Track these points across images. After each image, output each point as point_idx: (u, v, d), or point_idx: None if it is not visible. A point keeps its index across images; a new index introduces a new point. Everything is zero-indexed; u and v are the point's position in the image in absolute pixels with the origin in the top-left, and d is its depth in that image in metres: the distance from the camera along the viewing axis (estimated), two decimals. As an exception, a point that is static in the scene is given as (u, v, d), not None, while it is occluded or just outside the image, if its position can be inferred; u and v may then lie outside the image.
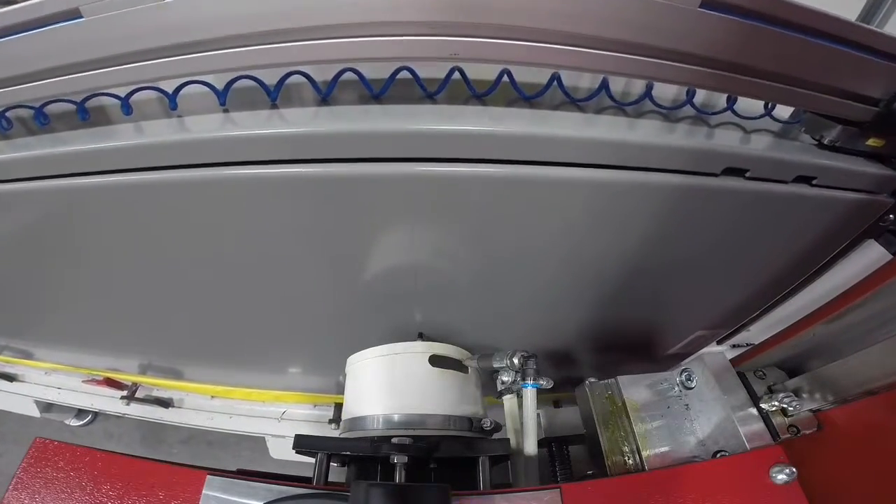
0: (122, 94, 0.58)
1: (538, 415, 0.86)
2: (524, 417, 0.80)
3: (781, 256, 0.79)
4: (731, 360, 0.78)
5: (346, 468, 0.87)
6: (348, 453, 0.76)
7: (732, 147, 0.60)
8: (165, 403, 1.56)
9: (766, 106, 0.65)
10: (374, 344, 0.86)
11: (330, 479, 0.75)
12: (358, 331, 1.01)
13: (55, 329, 1.16)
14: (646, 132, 0.60)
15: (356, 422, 0.80)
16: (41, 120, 0.59)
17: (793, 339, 0.72)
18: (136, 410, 1.56)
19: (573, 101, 0.62)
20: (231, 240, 0.70)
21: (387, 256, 0.75)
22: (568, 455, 0.95)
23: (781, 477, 0.61)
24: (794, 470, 0.60)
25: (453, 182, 0.59)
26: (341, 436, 0.83)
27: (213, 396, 1.56)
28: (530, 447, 0.78)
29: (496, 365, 0.83)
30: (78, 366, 1.46)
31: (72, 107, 0.59)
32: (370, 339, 0.99)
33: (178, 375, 1.44)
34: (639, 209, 0.65)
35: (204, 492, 0.60)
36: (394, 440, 0.74)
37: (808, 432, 0.67)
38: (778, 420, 0.69)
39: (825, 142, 0.63)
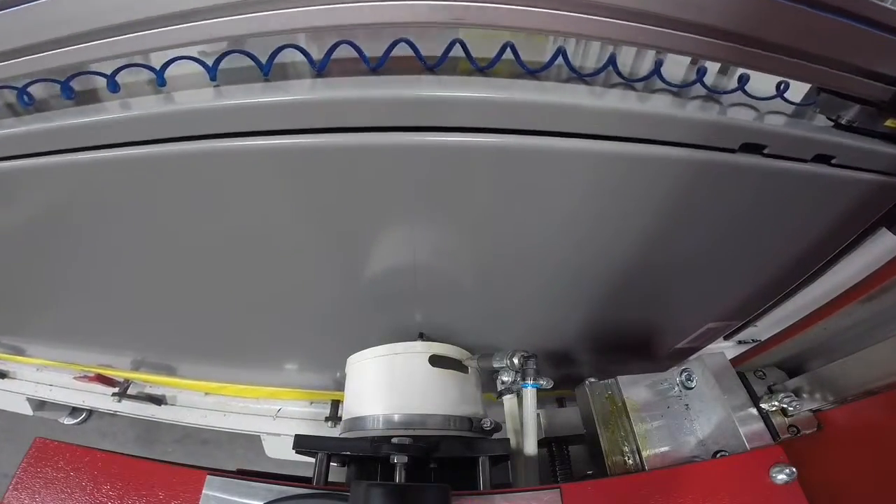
0: (108, 72, 0.56)
1: (538, 415, 0.86)
2: (524, 417, 0.80)
3: (795, 243, 0.77)
4: (732, 360, 0.78)
5: (346, 468, 0.87)
6: (348, 453, 0.76)
7: (750, 122, 0.58)
8: (158, 400, 1.53)
9: (778, 87, 0.62)
10: (372, 339, 0.85)
11: (330, 479, 0.75)
12: (356, 325, 1.00)
13: (45, 323, 1.15)
14: (659, 104, 0.57)
15: (356, 422, 0.80)
16: (25, 100, 0.57)
17: (793, 339, 0.72)
18: (127, 408, 1.53)
19: (580, 77, 0.59)
20: (225, 221, 0.68)
21: (386, 242, 0.73)
22: (568, 455, 0.95)
23: (781, 477, 0.61)
24: (794, 470, 0.60)
25: (455, 153, 0.56)
26: (341, 436, 0.83)
27: (206, 393, 1.53)
28: (530, 447, 0.78)
29: (496, 365, 0.84)
30: (69, 362, 1.44)
31: (56, 87, 0.57)
32: (368, 335, 0.98)
33: (171, 371, 1.42)
34: (651, 186, 0.62)
35: (204, 492, 0.60)
36: (394, 440, 0.74)
37: (808, 432, 0.67)
38: (778, 420, 0.69)
39: (842, 122, 0.61)
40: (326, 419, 1.38)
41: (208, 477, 0.61)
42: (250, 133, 0.54)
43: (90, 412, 2.00)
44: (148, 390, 1.54)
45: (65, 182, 0.61)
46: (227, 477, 0.62)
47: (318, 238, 0.73)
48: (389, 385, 0.80)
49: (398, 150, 0.56)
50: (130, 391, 1.51)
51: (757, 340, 1.25)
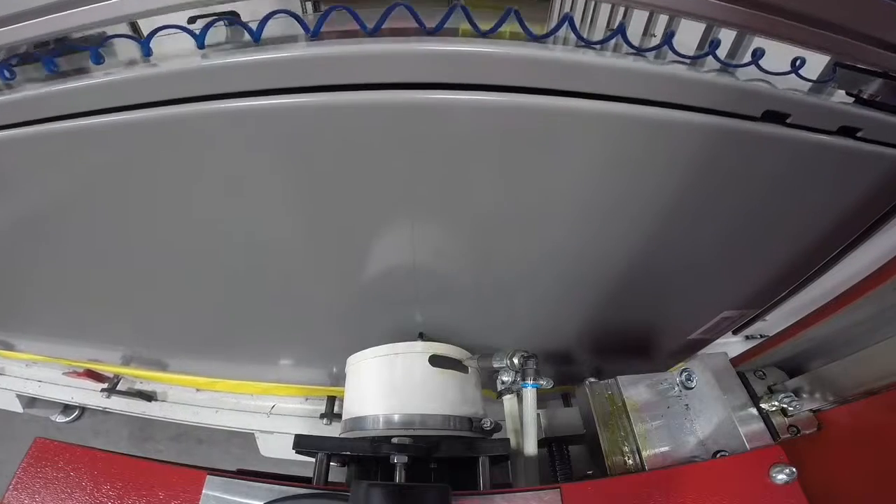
0: (91, 45, 0.53)
1: (538, 415, 0.86)
2: (524, 417, 0.80)
3: (814, 224, 0.74)
4: (732, 360, 0.78)
5: (346, 468, 0.87)
6: (348, 453, 0.76)
7: (773, 89, 0.55)
8: (148, 397, 1.49)
9: (793, 63, 0.59)
10: (370, 333, 0.85)
11: (330, 479, 0.75)
12: (353, 319, 0.98)
13: (33, 318, 1.11)
14: (675, 67, 0.54)
15: (356, 422, 0.80)
16: (5, 75, 0.54)
17: (793, 339, 0.72)
18: (117, 404, 1.49)
19: (588, 44, 0.55)
20: (217, 202, 0.65)
21: (384, 225, 0.69)
22: (568, 455, 0.95)
23: (781, 477, 0.61)
24: (794, 470, 0.60)
25: (462, 111, 0.53)
26: (341, 436, 0.83)
27: (198, 390, 1.49)
28: (530, 447, 0.78)
29: (496, 365, 0.84)
30: (58, 357, 1.40)
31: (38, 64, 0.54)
32: (366, 328, 0.97)
33: (162, 367, 1.37)
34: (670, 155, 0.58)
35: (204, 492, 0.60)
36: (394, 440, 0.74)
37: (808, 432, 0.67)
38: (778, 420, 0.69)
39: (864, 96, 0.59)
40: (322, 416, 1.36)
41: (208, 477, 0.61)
42: (240, 94, 0.50)
43: (83, 410, 1.97)
44: (138, 386, 1.50)
45: (44, 156, 0.58)
46: (227, 477, 0.62)
47: (315, 220, 0.69)
48: (390, 385, 0.80)
49: (394, 107, 0.52)
50: (120, 387, 1.47)
51: (765, 336, 1.22)
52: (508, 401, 0.86)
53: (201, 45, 0.52)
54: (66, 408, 1.94)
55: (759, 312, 1.03)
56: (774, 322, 1.11)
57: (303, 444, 0.76)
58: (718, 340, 1.17)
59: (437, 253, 0.76)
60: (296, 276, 0.83)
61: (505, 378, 0.83)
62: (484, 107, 0.52)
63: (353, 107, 0.52)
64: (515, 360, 0.81)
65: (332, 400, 1.38)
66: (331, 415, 1.35)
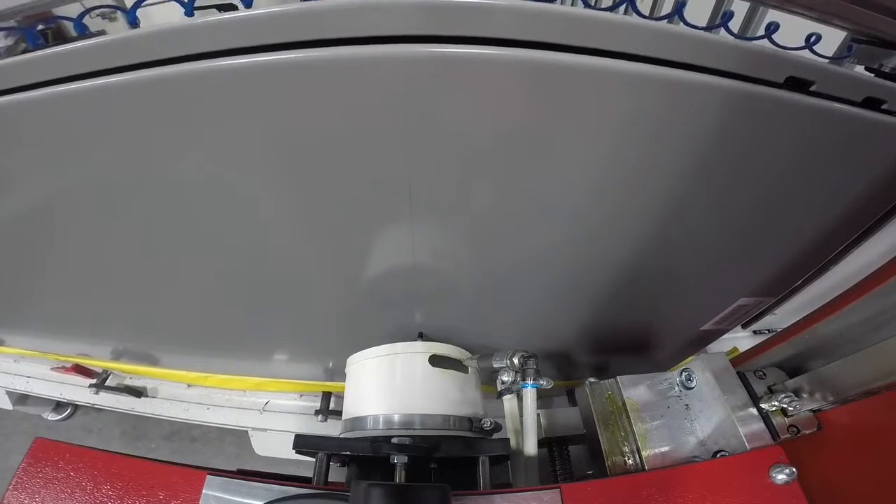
0: (74, 16, 0.52)
1: (538, 415, 0.86)
2: (524, 417, 0.80)
3: (835, 204, 0.70)
4: (731, 361, 0.78)
5: (345, 468, 0.87)
6: (348, 453, 0.76)
7: (796, 55, 0.52)
8: (138, 393, 1.45)
9: (807, 40, 0.58)
10: (367, 327, 0.84)
11: (330, 479, 0.75)
12: (351, 311, 0.94)
13: (20, 311, 1.07)
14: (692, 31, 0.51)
15: (356, 422, 0.80)
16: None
17: (793, 339, 0.72)
18: (105, 400, 1.44)
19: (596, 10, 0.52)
20: (208, 174, 0.61)
21: (381, 204, 0.66)
22: (568, 455, 0.95)
23: (781, 477, 0.61)
24: (794, 470, 0.60)
25: (469, 66, 0.49)
26: (341, 436, 0.83)
27: (189, 385, 1.44)
28: (530, 447, 0.78)
29: (496, 365, 0.83)
30: (47, 351, 1.34)
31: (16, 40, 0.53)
32: (364, 323, 0.96)
33: (152, 361, 1.32)
34: (689, 120, 0.55)
35: (204, 491, 0.60)
36: (394, 440, 0.74)
37: (808, 432, 0.67)
38: (778, 420, 0.69)
39: (885, 69, 0.57)
40: (316, 412, 1.32)
41: (208, 477, 0.61)
42: (231, 52, 0.47)
43: (75, 408, 1.96)
44: (128, 382, 1.46)
45: (26, 126, 0.54)
46: (227, 477, 0.62)
47: (311, 201, 0.66)
48: (390, 385, 0.80)
49: (394, 62, 0.48)
50: (109, 383, 1.43)
51: (774, 330, 1.22)
52: (508, 401, 0.86)
53: (189, 14, 0.50)
54: (58, 405, 1.91)
55: (775, 301, 0.98)
56: (783, 316, 1.08)
57: (303, 444, 0.76)
58: (726, 336, 1.13)
59: (440, 232, 0.73)
60: (292, 266, 0.81)
61: (505, 378, 0.83)
62: (493, 61, 0.47)
63: (351, 60, 0.47)
64: (515, 360, 0.81)
65: (327, 396, 1.34)
66: (326, 411, 1.31)
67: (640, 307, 0.97)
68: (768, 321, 1.12)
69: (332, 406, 1.33)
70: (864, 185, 0.67)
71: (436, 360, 0.82)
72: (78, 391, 1.46)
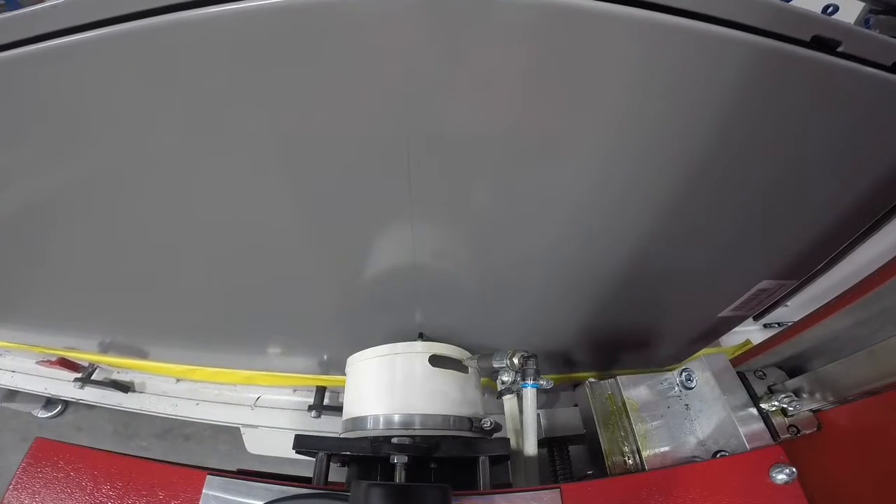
0: None
1: (538, 415, 0.86)
2: (524, 417, 0.80)
3: (861, 179, 0.67)
4: (731, 361, 0.78)
5: (345, 468, 0.87)
6: (348, 453, 0.76)
7: (822, 15, 0.50)
8: (125, 388, 1.39)
9: (824, 10, 0.57)
10: (365, 322, 0.83)
11: (330, 479, 0.75)
12: (347, 306, 0.92)
13: (2, 298, 1.01)
14: None
15: (356, 422, 0.80)
16: None
17: (793, 339, 0.72)
18: (91, 395, 1.38)
19: None
20: (192, 140, 0.56)
21: (379, 176, 0.61)
22: (568, 455, 0.95)
23: (781, 477, 0.61)
24: (794, 470, 0.60)
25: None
26: (341, 435, 0.83)
27: (178, 380, 1.39)
28: (530, 447, 0.78)
29: (496, 365, 0.84)
30: (31, 344, 1.28)
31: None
32: (361, 317, 0.94)
33: (140, 354, 1.25)
34: (708, 78, 0.51)
35: (204, 491, 0.60)
36: (394, 440, 0.74)
37: (808, 432, 0.67)
38: (778, 420, 0.69)
39: None
40: (310, 408, 1.25)
41: (208, 477, 0.61)
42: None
43: (66, 404, 1.92)
44: (115, 376, 1.41)
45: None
46: (228, 477, 0.62)
47: (304, 177, 0.63)
48: (390, 385, 0.80)
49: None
50: (96, 377, 1.37)
51: (784, 323, 1.20)
52: (508, 401, 0.86)
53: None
54: (49, 402, 1.88)
55: (797, 284, 0.92)
56: (795, 309, 1.05)
57: (302, 444, 0.76)
58: (737, 329, 1.09)
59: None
60: (287, 256, 0.78)
61: (505, 378, 0.83)
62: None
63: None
64: (515, 360, 0.81)
65: (321, 391, 1.29)
66: (320, 407, 1.25)
67: (656, 296, 0.92)
68: (780, 314, 1.08)
69: (327, 402, 1.28)
70: (891, 161, 0.63)
71: (436, 360, 0.82)
72: (63, 386, 1.40)
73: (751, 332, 1.30)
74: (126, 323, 1.09)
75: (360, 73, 0.49)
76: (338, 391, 1.34)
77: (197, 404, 1.36)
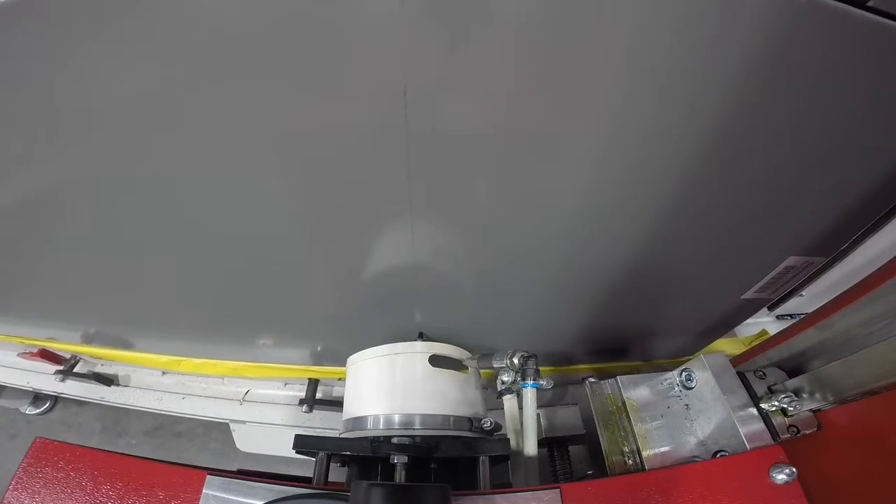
0: None
1: (538, 415, 0.86)
2: (524, 417, 0.80)
3: (887, 153, 0.62)
4: (731, 361, 0.78)
5: (345, 468, 0.87)
6: (348, 453, 0.76)
7: None
8: (108, 381, 1.32)
9: None
10: (363, 317, 0.82)
11: (330, 479, 0.75)
12: (345, 301, 0.89)
13: None
14: None
15: (356, 422, 0.80)
16: None
17: (793, 339, 0.72)
18: (73, 389, 1.31)
19: None
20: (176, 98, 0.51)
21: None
22: (568, 455, 0.95)
23: (781, 477, 0.61)
24: (794, 470, 0.60)
25: None
26: (341, 436, 0.83)
27: (164, 373, 1.32)
28: (530, 447, 0.78)
29: (496, 365, 0.84)
30: (10, 334, 1.21)
31: None
32: (359, 313, 0.93)
33: (125, 345, 1.18)
34: (718, 28, 0.47)
35: (204, 491, 0.60)
36: (394, 440, 0.74)
37: (808, 432, 0.67)
38: (778, 420, 0.69)
39: None
40: (301, 402, 1.18)
41: (208, 477, 0.61)
42: None
43: (55, 400, 1.86)
44: (99, 369, 1.34)
45: None
46: (228, 477, 0.62)
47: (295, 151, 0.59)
48: (390, 385, 0.80)
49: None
50: (78, 369, 1.30)
51: (798, 315, 1.17)
52: (508, 401, 0.86)
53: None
54: (37, 398, 1.82)
55: (825, 262, 0.85)
56: (810, 297, 1.01)
57: (303, 444, 0.76)
58: (749, 320, 1.06)
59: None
60: (282, 243, 0.75)
61: (505, 378, 0.83)
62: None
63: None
64: (515, 360, 0.81)
65: (314, 384, 1.22)
66: (312, 401, 1.19)
67: (677, 278, 0.86)
68: (794, 305, 1.05)
69: (320, 395, 1.22)
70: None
71: (436, 360, 0.82)
72: (46, 379, 1.34)
73: (765, 324, 1.28)
74: (111, 311, 1.03)
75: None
76: (331, 384, 1.28)
77: (183, 398, 1.30)
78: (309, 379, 1.23)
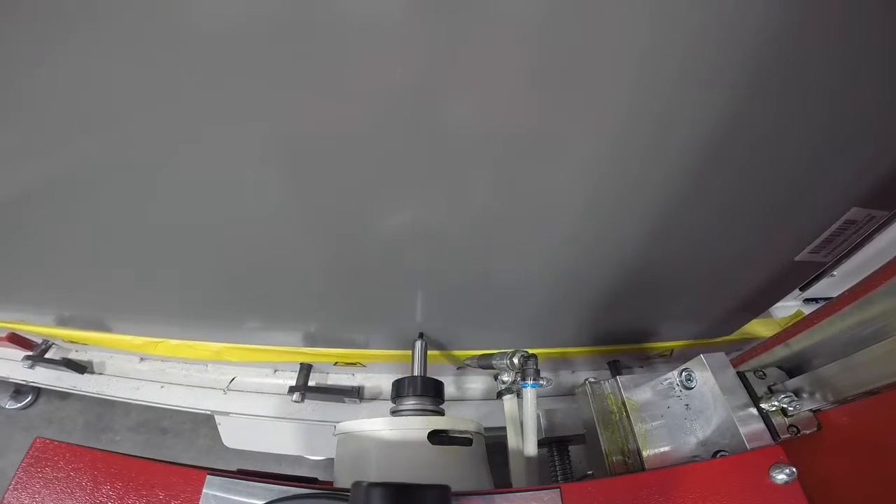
0: None
1: (538, 415, 0.86)
2: (524, 417, 0.80)
3: None
4: (732, 361, 0.78)
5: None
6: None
7: None
8: (81, 368, 1.21)
9: None
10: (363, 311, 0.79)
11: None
12: (341, 285, 0.85)
13: None
14: None
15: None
16: None
17: (793, 339, 0.72)
18: (42, 377, 1.21)
19: None
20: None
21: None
22: (568, 455, 0.95)
23: (781, 477, 0.61)
24: (794, 470, 0.60)
25: None
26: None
27: (142, 359, 1.21)
28: (530, 447, 0.78)
29: (496, 365, 0.84)
30: None
31: None
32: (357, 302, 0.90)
33: (102, 327, 1.07)
34: None
35: (204, 491, 0.60)
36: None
37: (807, 432, 0.67)
38: (778, 420, 0.69)
39: None
40: (291, 390, 1.07)
41: (208, 477, 0.61)
42: None
43: (37, 394, 1.76)
44: (73, 355, 1.23)
45: None
46: (227, 477, 0.62)
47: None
48: (386, 464, 0.73)
49: None
50: (50, 355, 1.20)
51: (827, 298, 1.12)
52: (508, 401, 0.86)
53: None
54: (18, 392, 1.73)
55: (888, 216, 0.75)
56: (840, 278, 0.95)
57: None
58: (780, 303, 0.99)
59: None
60: (276, 225, 0.71)
61: (505, 378, 0.83)
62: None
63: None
64: (515, 360, 0.81)
65: (306, 368, 1.11)
66: (304, 388, 1.08)
67: (721, 236, 0.76)
68: (822, 288, 1.00)
69: (312, 382, 1.11)
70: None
71: (436, 437, 0.75)
72: (14, 367, 1.23)
73: (798, 307, 1.22)
74: (89, 290, 0.95)
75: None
76: (326, 369, 1.16)
77: (161, 387, 1.19)
78: (301, 363, 1.12)
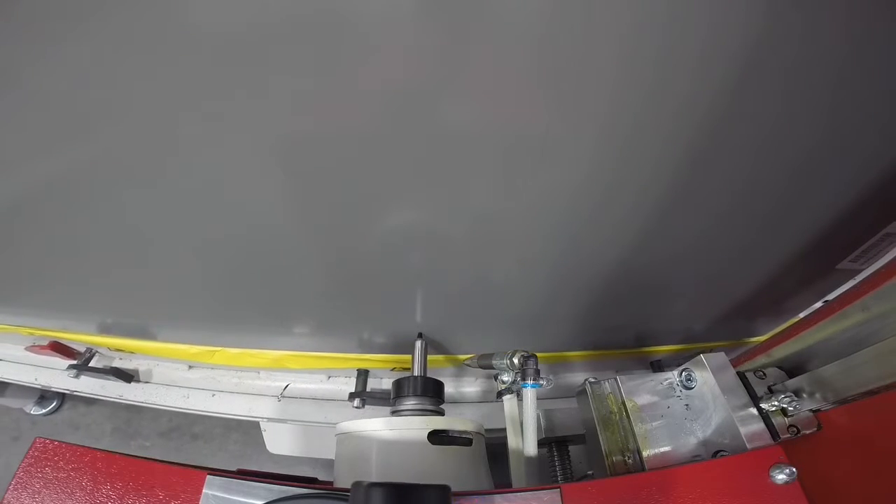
0: None
1: (538, 415, 0.86)
2: (524, 418, 0.80)
3: None
4: (731, 361, 0.78)
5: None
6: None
7: None
8: (128, 376, 1.18)
9: None
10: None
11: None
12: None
13: None
14: None
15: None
16: None
17: (793, 339, 0.72)
18: (87, 386, 1.18)
19: None
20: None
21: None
22: (568, 455, 0.95)
23: (781, 477, 0.61)
24: (794, 470, 0.60)
25: None
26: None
27: (191, 367, 1.18)
28: (530, 447, 0.78)
29: (496, 364, 0.84)
30: (18, 325, 1.09)
31: None
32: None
33: (148, 336, 1.05)
34: None
35: (204, 491, 0.60)
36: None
37: (807, 432, 0.67)
38: (778, 420, 0.69)
39: None
40: (351, 396, 1.04)
41: (208, 477, 0.61)
42: None
43: (62, 399, 1.73)
44: (117, 363, 1.20)
45: None
46: (228, 477, 0.62)
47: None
48: (386, 464, 0.74)
49: None
50: (94, 363, 1.17)
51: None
52: (508, 401, 0.86)
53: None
54: (43, 397, 1.71)
55: None
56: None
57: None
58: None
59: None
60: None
61: (505, 378, 0.83)
62: None
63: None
64: (515, 360, 0.81)
65: (363, 374, 1.08)
66: (363, 394, 1.06)
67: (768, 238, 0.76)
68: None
69: (370, 387, 1.09)
70: None
71: (435, 437, 0.75)
72: (56, 375, 1.21)
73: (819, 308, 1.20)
74: (133, 296, 0.93)
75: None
76: (380, 375, 1.14)
77: (213, 395, 1.17)
78: (358, 370, 1.10)
